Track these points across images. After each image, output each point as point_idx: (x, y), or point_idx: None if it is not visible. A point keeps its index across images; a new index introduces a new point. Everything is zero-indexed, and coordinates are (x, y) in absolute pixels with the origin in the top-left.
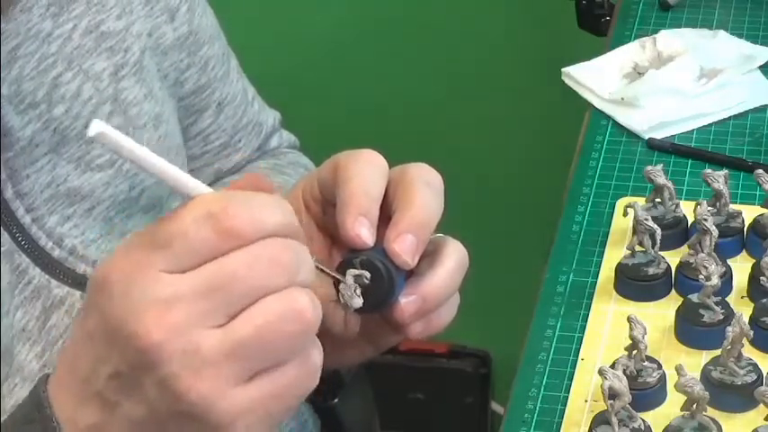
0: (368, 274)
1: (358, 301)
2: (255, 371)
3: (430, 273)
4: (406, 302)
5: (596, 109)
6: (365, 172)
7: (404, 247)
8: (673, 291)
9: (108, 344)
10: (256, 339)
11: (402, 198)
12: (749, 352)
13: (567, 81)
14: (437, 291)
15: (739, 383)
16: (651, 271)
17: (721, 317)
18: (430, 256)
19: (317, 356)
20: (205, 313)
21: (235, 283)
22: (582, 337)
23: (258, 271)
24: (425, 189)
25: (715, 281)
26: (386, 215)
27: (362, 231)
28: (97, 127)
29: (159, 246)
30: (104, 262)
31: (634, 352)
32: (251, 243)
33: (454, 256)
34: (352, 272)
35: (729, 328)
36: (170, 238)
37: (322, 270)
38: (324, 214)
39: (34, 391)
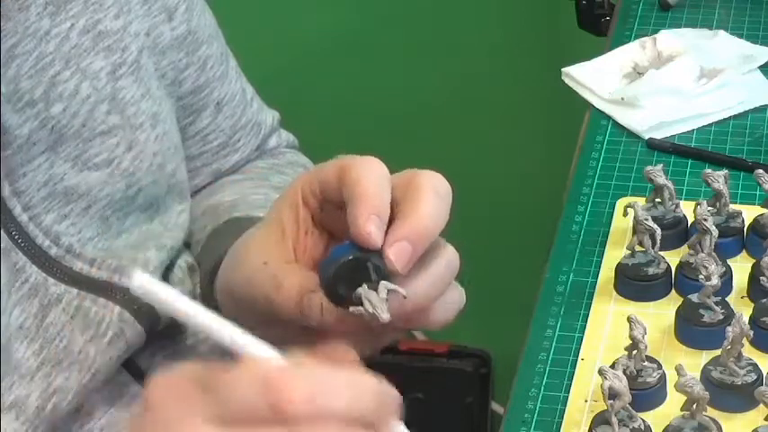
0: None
1: (387, 316)
2: None
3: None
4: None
5: (596, 109)
6: (373, 176)
7: (399, 255)
8: (673, 291)
9: None
10: None
11: (408, 204)
12: (749, 352)
13: (567, 81)
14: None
15: (739, 383)
16: (651, 271)
17: (721, 317)
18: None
19: None
20: None
21: None
22: (582, 337)
23: None
24: (433, 198)
25: (715, 281)
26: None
27: (373, 230)
28: (140, 279)
29: (209, 393)
30: (158, 377)
31: (634, 352)
32: (299, 425)
33: (443, 263)
34: (385, 284)
35: (729, 328)
36: (224, 392)
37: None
38: (321, 211)
39: None
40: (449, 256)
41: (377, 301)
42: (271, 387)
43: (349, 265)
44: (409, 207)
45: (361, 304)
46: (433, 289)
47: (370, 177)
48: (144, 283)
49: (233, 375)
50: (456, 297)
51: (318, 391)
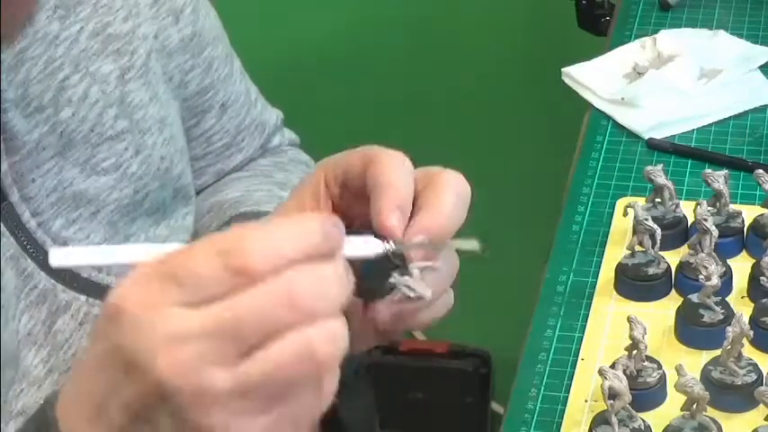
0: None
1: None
2: (267, 405)
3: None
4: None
5: (596, 109)
6: (399, 169)
7: (416, 250)
8: (673, 291)
9: (119, 375)
10: (268, 380)
11: (429, 199)
12: (749, 352)
13: (567, 81)
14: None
15: (739, 383)
16: (651, 271)
17: (721, 317)
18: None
19: (331, 384)
20: (215, 353)
21: (245, 325)
22: (582, 337)
23: (270, 311)
24: (454, 197)
25: (715, 281)
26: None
27: (395, 222)
28: (57, 258)
29: (172, 279)
30: (117, 289)
31: (634, 352)
32: (265, 280)
33: (448, 262)
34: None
35: (729, 328)
36: (183, 273)
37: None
38: (340, 198)
39: (40, 413)
40: (451, 256)
41: (414, 283)
42: (227, 254)
43: (372, 263)
44: (430, 202)
45: (389, 293)
46: (437, 287)
47: (395, 170)
48: (60, 261)
49: (192, 255)
50: (448, 296)
51: (273, 244)
